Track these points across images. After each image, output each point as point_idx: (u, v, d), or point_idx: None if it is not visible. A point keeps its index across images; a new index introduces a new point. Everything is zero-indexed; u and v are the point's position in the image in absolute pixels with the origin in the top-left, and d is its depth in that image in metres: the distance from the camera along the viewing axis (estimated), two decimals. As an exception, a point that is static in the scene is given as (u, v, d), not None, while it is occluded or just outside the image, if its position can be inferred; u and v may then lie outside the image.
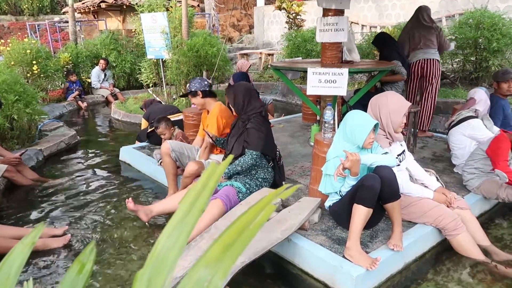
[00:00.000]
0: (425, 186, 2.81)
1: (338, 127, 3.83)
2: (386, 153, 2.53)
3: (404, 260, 2.50)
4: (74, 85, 8.41)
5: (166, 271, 0.42)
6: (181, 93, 6.88)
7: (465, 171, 3.24)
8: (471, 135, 3.45)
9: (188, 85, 3.63)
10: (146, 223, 3.04)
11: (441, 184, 2.89)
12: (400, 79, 4.82)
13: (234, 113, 3.26)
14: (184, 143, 3.75)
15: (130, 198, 3.00)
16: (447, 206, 2.66)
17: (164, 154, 3.48)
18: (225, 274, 0.38)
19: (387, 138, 2.68)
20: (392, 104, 2.63)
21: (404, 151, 2.78)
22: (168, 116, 4.40)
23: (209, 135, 3.26)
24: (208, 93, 3.53)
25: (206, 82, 3.56)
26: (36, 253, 2.75)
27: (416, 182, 2.85)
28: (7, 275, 0.44)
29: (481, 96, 3.74)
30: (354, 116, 2.53)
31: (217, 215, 2.69)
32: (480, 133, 3.40)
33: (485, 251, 2.61)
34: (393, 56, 4.67)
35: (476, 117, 3.54)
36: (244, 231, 0.40)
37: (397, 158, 2.64)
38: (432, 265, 2.58)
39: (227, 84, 5.92)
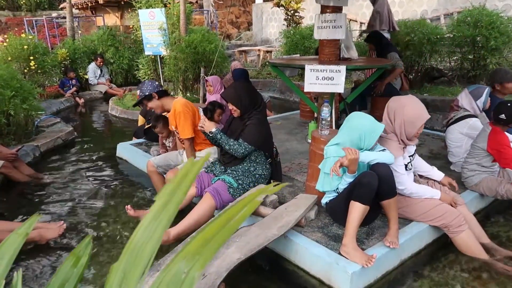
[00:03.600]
0: (431, 179, 2.89)
1: (335, 124, 3.84)
2: (384, 149, 2.53)
3: (400, 257, 2.50)
4: (70, 81, 8.39)
5: (142, 264, 0.42)
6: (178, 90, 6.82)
7: (466, 167, 3.21)
8: (468, 134, 3.45)
9: (138, 91, 3.34)
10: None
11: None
12: (400, 72, 4.81)
13: (232, 113, 3.08)
14: (167, 153, 3.72)
15: (129, 206, 2.89)
16: (452, 206, 2.63)
17: (151, 173, 3.42)
18: (202, 266, 0.39)
19: (399, 144, 2.57)
20: (408, 115, 2.47)
21: (415, 152, 2.75)
22: (165, 114, 4.36)
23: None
24: (163, 93, 3.35)
25: (156, 83, 3.33)
26: (32, 247, 2.75)
27: (421, 177, 2.91)
28: (-2, 265, 0.44)
29: None
30: (362, 122, 2.45)
31: (207, 209, 2.72)
32: (477, 132, 3.41)
33: (485, 248, 2.60)
34: (390, 49, 4.69)
35: (474, 115, 3.54)
36: (225, 226, 0.40)
37: (409, 159, 2.64)
38: (428, 262, 2.59)
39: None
